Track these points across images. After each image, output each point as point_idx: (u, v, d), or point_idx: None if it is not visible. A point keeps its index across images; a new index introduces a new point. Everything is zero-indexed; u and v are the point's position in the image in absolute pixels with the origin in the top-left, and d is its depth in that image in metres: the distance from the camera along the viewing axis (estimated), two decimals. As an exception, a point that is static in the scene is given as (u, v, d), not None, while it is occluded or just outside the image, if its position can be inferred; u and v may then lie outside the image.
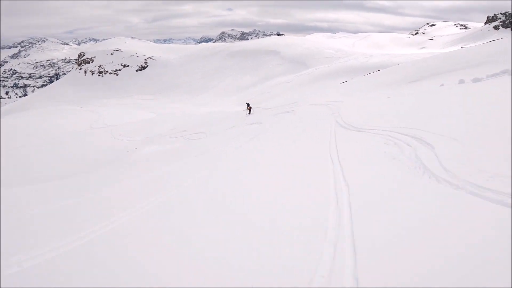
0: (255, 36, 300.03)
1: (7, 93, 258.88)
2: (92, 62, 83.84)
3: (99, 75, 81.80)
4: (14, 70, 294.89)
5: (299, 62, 65.25)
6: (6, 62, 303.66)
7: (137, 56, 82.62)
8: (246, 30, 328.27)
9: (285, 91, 46.45)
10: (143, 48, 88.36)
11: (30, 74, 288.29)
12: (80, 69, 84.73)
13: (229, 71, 73.23)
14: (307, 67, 60.36)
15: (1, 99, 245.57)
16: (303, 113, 15.01)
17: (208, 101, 60.73)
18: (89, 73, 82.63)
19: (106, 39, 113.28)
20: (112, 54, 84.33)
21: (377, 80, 20.76)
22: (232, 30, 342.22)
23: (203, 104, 59.24)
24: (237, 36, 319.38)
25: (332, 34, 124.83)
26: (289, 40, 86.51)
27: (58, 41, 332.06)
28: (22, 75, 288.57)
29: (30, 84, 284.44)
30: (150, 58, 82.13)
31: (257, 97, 54.19)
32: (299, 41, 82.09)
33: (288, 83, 51.33)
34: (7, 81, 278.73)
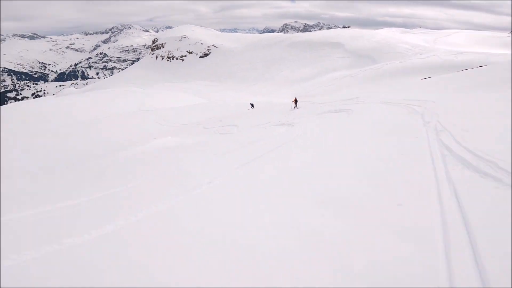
0: (319, 28, 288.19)
1: (97, 73, 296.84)
2: (162, 48, 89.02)
3: (167, 60, 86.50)
4: (105, 53, 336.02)
5: (366, 56, 58.85)
6: (99, 46, 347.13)
7: (201, 43, 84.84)
8: (310, 23, 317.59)
9: (346, 86, 42.00)
10: (207, 36, 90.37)
11: (117, 57, 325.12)
12: (153, 54, 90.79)
13: (289, 62, 70.19)
14: (375, 61, 53.97)
15: (91, 79, 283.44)
16: (364, 114, 10.34)
17: (264, 91, 59.02)
18: (159, 58, 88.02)
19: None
20: (180, 40, 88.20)
21: (475, 79, 15.50)
22: (295, 22, 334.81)
23: (257, 93, 57.82)
24: (300, 28, 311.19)
25: (407, 29, 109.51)
26: (355, 32, 79.06)
27: (141, 28, 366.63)
28: (110, 58, 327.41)
29: (116, 67, 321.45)
30: (213, 45, 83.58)
31: (313, 90, 50.67)
32: (367, 34, 74.27)
33: (351, 78, 46.43)
34: (98, 63, 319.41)
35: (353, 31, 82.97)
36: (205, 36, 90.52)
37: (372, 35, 72.06)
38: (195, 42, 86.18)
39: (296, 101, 19.89)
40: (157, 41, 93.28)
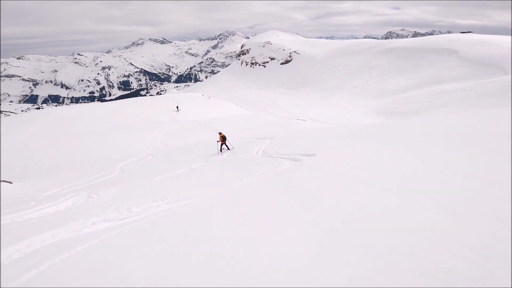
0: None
1: (206, 77, 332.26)
2: (247, 53, 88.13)
3: (251, 66, 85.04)
4: (213, 58, 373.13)
5: (489, 64, 41.86)
6: (209, 51, 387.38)
7: (283, 50, 79.62)
8: (421, 30, 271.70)
9: (456, 102, 29.89)
10: (291, 42, 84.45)
11: (222, 62, 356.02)
12: (239, 59, 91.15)
13: (377, 71, 57.49)
14: (504, 72, 37.58)
15: (200, 82, 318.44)
16: None
17: (341, 102, 49.38)
18: (244, 64, 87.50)
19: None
20: (263, 46, 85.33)
21: None
22: (402, 29, 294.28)
23: (331, 105, 48.74)
24: (409, 37, 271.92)
25: None
26: (475, 37, 58.69)
27: (243, 35, 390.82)
28: (217, 63, 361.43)
29: (220, 71, 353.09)
30: (294, 52, 77.21)
31: (403, 105, 38.58)
32: (496, 39, 53.37)
33: (463, 92, 33.02)
34: (207, 67, 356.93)
35: (473, 36, 61.97)
36: (288, 42, 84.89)
37: (501, 40, 51.67)
38: (277, 48, 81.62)
39: (223, 139, 10.97)
40: (243, 46, 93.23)
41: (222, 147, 10.93)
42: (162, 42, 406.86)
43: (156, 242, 2.62)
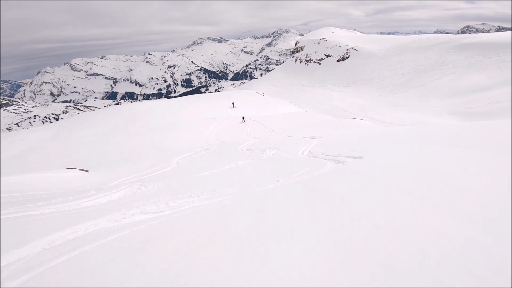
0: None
1: (261, 74, 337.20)
2: (302, 51, 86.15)
3: (305, 64, 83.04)
4: (267, 56, 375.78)
5: None
6: (263, 49, 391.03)
7: (340, 46, 75.43)
8: (506, 25, 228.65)
9: None
10: (347, 38, 79.34)
11: (276, 60, 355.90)
12: (293, 57, 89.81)
13: (451, 68, 50.39)
14: None
15: (255, 79, 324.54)
16: None
17: (405, 102, 44.79)
18: (298, 61, 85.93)
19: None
20: (318, 43, 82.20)
21: None
22: (483, 24, 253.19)
23: (393, 104, 44.52)
24: (492, 31, 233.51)
25: None
26: None
27: (296, 32, 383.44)
28: (271, 60, 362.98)
29: (274, 69, 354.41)
30: (352, 48, 72.52)
31: (481, 106, 33.16)
32: None
33: None
34: (262, 65, 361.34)
35: None
36: (345, 38, 79.99)
37: None
38: (333, 45, 77.75)
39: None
40: (297, 44, 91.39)
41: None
42: (219, 41, 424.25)
43: (171, 237, 2.68)
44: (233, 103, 34.41)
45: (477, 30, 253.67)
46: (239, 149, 12.26)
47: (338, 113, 39.82)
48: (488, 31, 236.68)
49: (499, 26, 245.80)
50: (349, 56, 72.34)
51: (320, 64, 78.64)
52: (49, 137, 26.72)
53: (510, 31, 53.51)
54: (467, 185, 3.02)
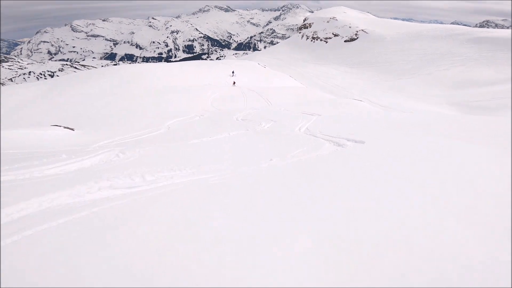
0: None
1: (264, 47, 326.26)
2: (310, 27, 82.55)
3: (311, 41, 79.95)
4: (273, 29, 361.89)
5: None
6: (270, 22, 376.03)
7: (350, 27, 72.20)
8: None
9: None
10: (359, 20, 75.76)
11: (282, 34, 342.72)
12: (300, 33, 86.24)
13: (461, 60, 48.81)
14: None
15: (258, 51, 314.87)
16: None
17: (408, 88, 43.59)
18: (304, 37, 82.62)
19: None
20: (327, 22, 78.58)
21: None
22: (504, 20, 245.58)
23: (395, 89, 43.41)
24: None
25: None
26: None
27: (307, 9, 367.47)
28: (277, 34, 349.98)
29: (279, 43, 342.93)
30: (362, 30, 69.46)
31: (486, 100, 32.48)
32: None
33: None
34: (267, 38, 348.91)
35: None
36: (356, 20, 76.33)
37: None
38: (343, 25, 74.32)
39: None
40: (306, 20, 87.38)
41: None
42: (226, 10, 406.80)
43: (138, 225, 2.15)
44: (233, 72, 33.58)
45: (497, 26, 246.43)
46: (234, 119, 11.74)
47: (338, 92, 38.90)
48: (508, 28, 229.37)
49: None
50: (357, 37, 69.51)
51: (326, 42, 75.73)
52: (41, 94, 25.61)
53: (510, 30, 51.63)
54: (473, 180, 2.79)
